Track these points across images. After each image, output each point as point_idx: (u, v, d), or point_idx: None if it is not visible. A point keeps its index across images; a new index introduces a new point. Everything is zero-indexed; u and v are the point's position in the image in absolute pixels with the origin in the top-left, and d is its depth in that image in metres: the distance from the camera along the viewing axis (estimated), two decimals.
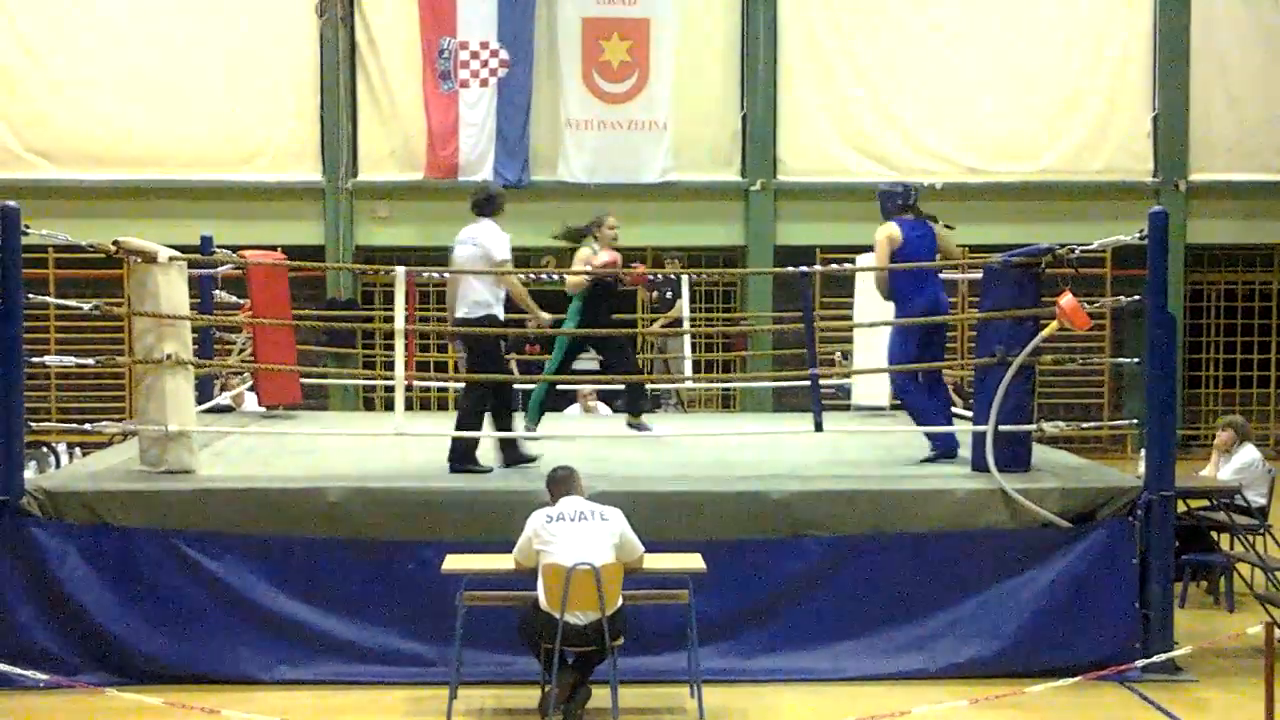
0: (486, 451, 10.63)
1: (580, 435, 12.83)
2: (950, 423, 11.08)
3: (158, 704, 8.22)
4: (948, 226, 11.39)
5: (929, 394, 11.11)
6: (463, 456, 10.43)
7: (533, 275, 16.93)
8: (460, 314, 10.56)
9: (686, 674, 8.86)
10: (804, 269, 11.16)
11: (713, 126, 20.81)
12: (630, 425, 12.66)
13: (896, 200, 11.18)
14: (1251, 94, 20.95)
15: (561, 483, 8.65)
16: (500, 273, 10.50)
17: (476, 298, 10.47)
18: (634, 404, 12.92)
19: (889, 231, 11.01)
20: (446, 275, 11.23)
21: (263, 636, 9.36)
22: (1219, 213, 21.10)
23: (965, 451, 10.58)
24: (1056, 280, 10.21)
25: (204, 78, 20.11)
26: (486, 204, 10.85)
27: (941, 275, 11.43)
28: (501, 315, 10.54)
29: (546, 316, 10.83)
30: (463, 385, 10.93)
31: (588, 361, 19.09)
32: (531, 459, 10.62)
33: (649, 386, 17.13)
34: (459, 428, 10.51)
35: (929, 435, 10.93)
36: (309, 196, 20.42)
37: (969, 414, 11.32)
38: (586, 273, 11.96)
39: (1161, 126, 20.82)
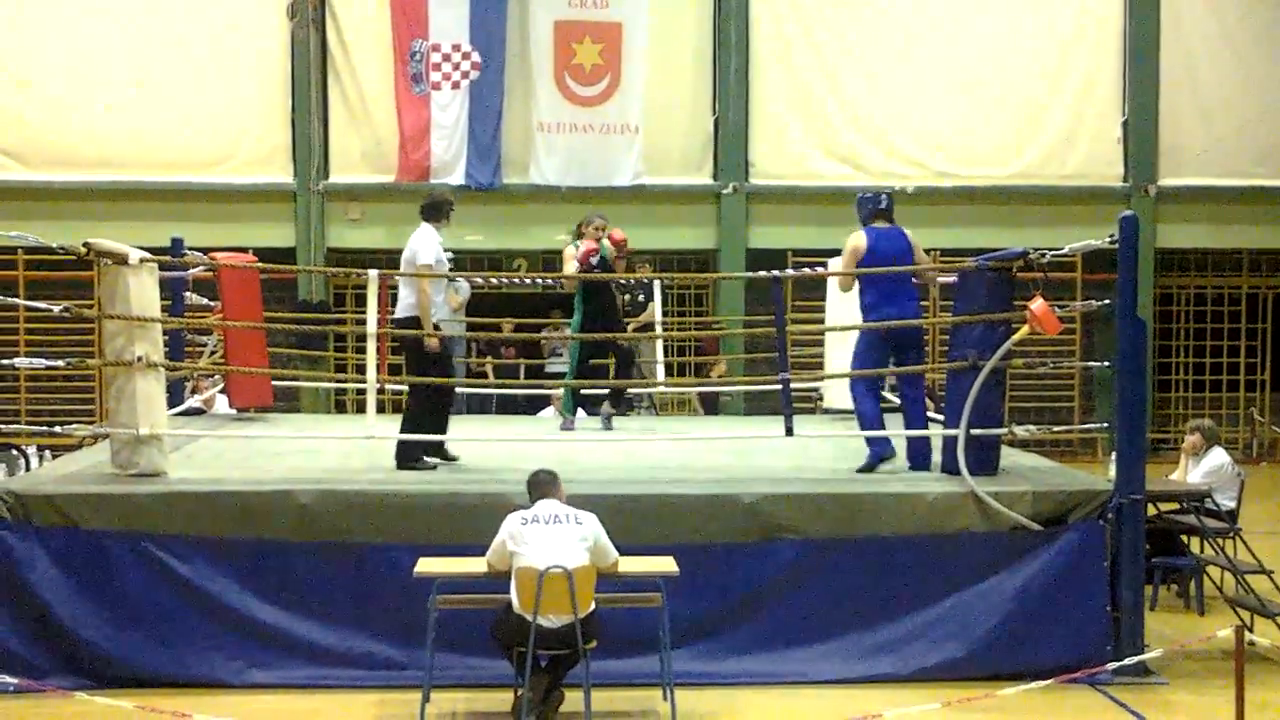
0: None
1: (568, 440, 12.79)
2: (884, 427, 10.93)
3: (129, 708, 8.19)
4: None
5: (875, 400, 11.06)
6: (408, 456, 10.67)
7: (505, 280, 16.96)
8: (397, 315, 10.87)
9: (659, 677, 8.88)
10: (776, 273, 11.15)
11: (684, 130, 20.84)
12: (604, 416, 13.26)
13: (868, 207, 11.06)
14: (1220, 100, 21.08)
15: (541, 486, 8.64)
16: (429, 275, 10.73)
17: (409, 300, 10.75)
18: (616, 401, 13.50)
19: (855, 241, 10.86)
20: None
21: (233, 640, 9.32)
22: (1188, 217, 21.24)
23: (924, 455, 10.63)
24: (1028, 285, 10.24)
25: (175, 79, 20.08)
26: (425, 209, 11.03)
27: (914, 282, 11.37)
28: (439, 317, 10.72)
29: (435, 343, 10.81)
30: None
31: (562, 364, 19.18)
32: (453, 458, 10.96)
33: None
34: (406, 426, 10.73)
35: (868, 442, 10.83)
36: (280, 199, 20.40)
37: (940, 418, 11.35)
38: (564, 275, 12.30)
39: (1131, 132, 20.94)
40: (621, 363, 13.55)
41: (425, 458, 10.72)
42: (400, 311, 10.81)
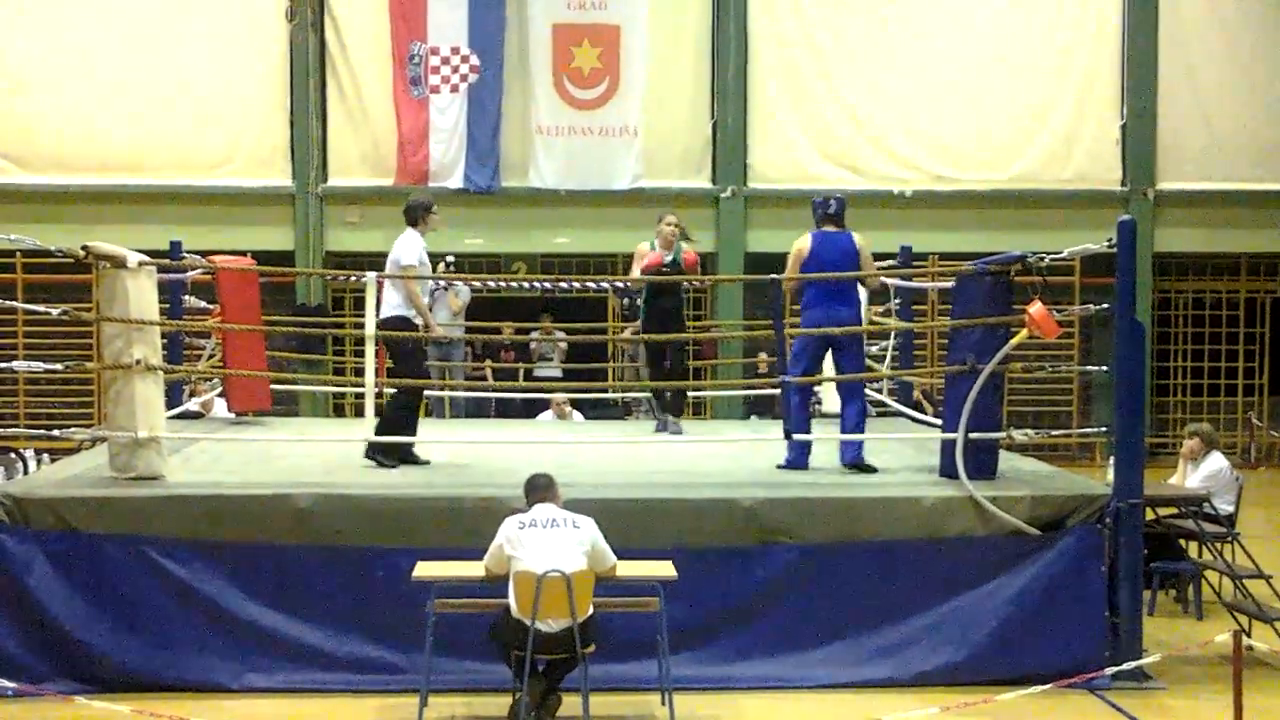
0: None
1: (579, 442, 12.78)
2: (809, 429, 11.11)
3: (126, 712, 8.16)
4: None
5: (805, 400, 11.23)
6: (382, 449, 10.86)
7: (503, 283, 16.99)
8: (381, 315, 11.05)
9: (657, 682, 8.87)
10: (774, 276, 11.16)
11: (683, 133, 20.84)
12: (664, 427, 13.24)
13: (818, 211, 11.19)
14: (1219, 104, 21.09)
15: (538, 490, 8.64)
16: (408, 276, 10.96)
17: (392, 301, 11.01)
18: (674, 405, 13.51)
19: (799, 244, 11.08)
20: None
21: (232, 644, 9.30)
22: (1187, 221, 21.23)
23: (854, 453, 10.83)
24: (1026, 289, 10.25)
25: (174, 82, 20.08)
26: (408, 214, 11.29)
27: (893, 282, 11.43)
28: (417, 319, 10.99)
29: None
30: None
31: (552, 368, 19.20)
32: (423, 462, 11.03)
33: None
34: (383, 425, 10.91)
35: (791, 445, 10.94)
36: (279, 202, 20.39)
37: (938, 422, 11.35)
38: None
39: (1130, 135, 20.95)
40: (672, 366, 13.45)
41: (386, 459, 10.81)
42: (384, 312, 10.98)
